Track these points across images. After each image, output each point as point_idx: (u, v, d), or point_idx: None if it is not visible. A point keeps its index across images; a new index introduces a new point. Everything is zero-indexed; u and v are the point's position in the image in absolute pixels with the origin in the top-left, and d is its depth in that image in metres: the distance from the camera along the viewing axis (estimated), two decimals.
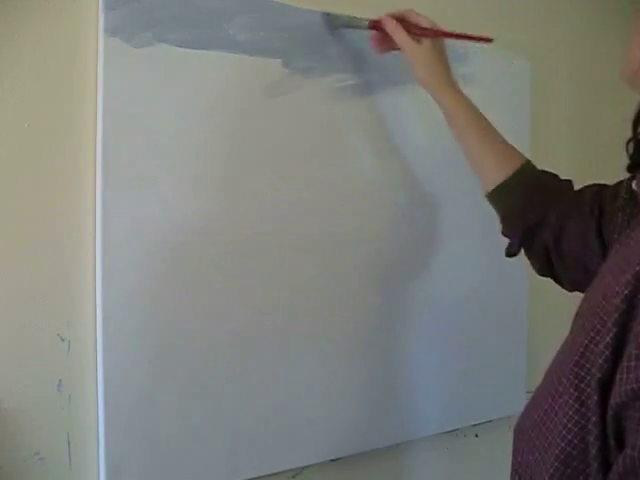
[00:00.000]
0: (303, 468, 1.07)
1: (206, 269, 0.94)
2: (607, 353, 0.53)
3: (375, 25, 0.98)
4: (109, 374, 0.86)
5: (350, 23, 1.02)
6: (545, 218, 0.86)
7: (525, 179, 0.89)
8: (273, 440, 1.01)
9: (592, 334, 0.56)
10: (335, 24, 1.03)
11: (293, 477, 1.07)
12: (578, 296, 0.91)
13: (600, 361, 0.53)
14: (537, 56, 1.39)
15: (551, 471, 0.56)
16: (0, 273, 0.81)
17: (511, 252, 0.92)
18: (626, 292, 0.53)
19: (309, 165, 1.04)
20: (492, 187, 0.89)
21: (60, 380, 0.85)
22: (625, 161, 0.74)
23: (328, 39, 1.05)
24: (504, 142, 0.91)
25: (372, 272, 1.12)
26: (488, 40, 0.96)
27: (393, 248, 1.15)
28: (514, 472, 0.65)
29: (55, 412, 0.85)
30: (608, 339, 0.53)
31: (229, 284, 0.96)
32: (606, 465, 0.53)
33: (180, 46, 0.90)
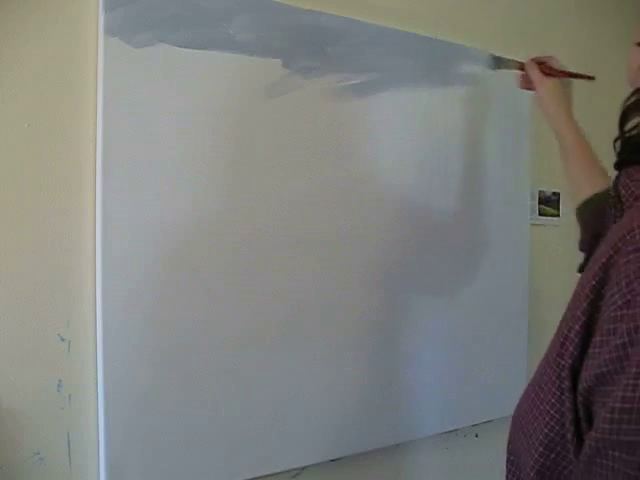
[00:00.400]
0: (303, 468, 1.07)
1: (205, 269, 0.94)
2: (577, 341, 0.56)
3: (521, 66, 1.16)
4: (109, 374, 0.86)
5: (508, 65, 1.20)
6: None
7: (607, 198, 0.92)
8: (273, 440, 1.01)
9: (570, 324, 0.58)
10: (499, 65, 1.23)
11: (293, 477, 1.07)
12: None
13: (571, 349, 0.56)
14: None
15: (536, 456, 0.58)
16: (0, 273, 0.81)
17: (582, 267, 0.94)
18: (593, 282, 0.56)
19: (309, 165, 1.04)
20: (580, 202, 0.96)
21: (60, 380, 0.85)
22: None
23: (328, 39, 1.05)
24: (601, 168, 0.98)
25: (372, 273, 1.12)
26: (590, 78, 1.15)
27: (393, 249, 1.15)
28: (508, 461, 0.67)
29: (55, 412, 0.85)
30: (578, 327, 0.56)
31: (229, 284, 0.96)
32: (581, 448, 0.54)
33: (180, 46, 0.90)
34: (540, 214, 1.42)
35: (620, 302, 0.52)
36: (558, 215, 1.45)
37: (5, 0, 0.81)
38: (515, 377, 1.35)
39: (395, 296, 1.16)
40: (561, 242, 1.45)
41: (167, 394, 0.91)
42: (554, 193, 1.44)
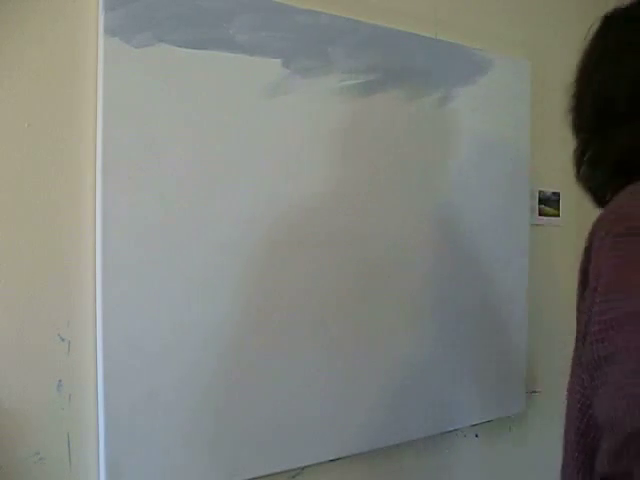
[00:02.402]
0: (303, 468, 1.07)
1: (205, 269, 0.94)
2: (583, 331, 0.59)
3: None
4: (109, 374, 0.86)
5: None
6: None
7: None
8: (273, 440, 1.01)
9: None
10: None
11: (293, 477, 1.07)
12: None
13: (581, 339, 0.60)
14: (537, 56, 1.39)
15: (573, 443, 0.63)
16: (0, 273, 0.81)
17: None
18: (580, 266, 0.59)
19: (308, 165, 1.04)
20: None
21: (60, 380, 0.85)
22: None
23: (328, 39, 1.05)
24: None
25: (372, 273, 1.12)
26: None
27: (392, 248, 1.15)
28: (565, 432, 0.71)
29: (55, 412, 0.85)
30: (586, 317, 0.59)
31: (229, 284, 0.96)
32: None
33: (180, 46, 0.90)
34: (540, 214, 1.42)
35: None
36: (558, 215, 1.45)
37: (5, 0, 0.81)
38: (515, 377, 1.35)
39: (395, 298, 1.16)
40: (561, 242, 1.45)
41: (167, 394, 0.91)
42: (554, 193, 1.44)
